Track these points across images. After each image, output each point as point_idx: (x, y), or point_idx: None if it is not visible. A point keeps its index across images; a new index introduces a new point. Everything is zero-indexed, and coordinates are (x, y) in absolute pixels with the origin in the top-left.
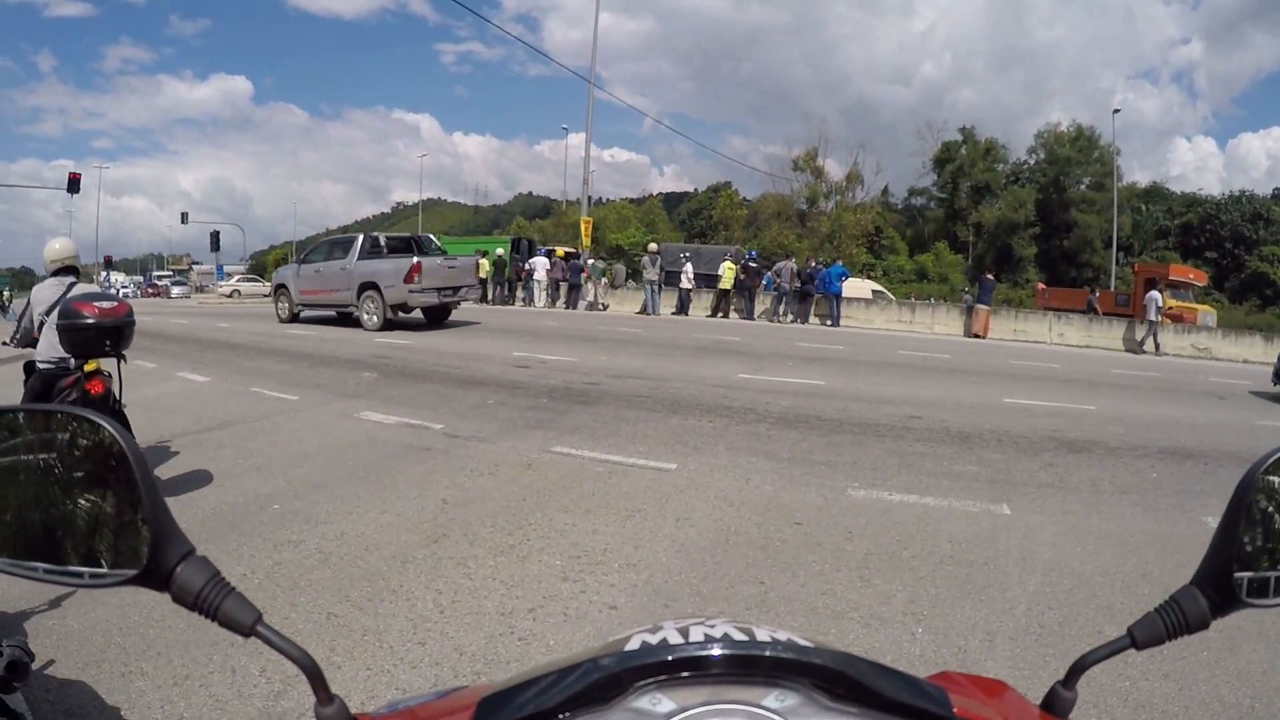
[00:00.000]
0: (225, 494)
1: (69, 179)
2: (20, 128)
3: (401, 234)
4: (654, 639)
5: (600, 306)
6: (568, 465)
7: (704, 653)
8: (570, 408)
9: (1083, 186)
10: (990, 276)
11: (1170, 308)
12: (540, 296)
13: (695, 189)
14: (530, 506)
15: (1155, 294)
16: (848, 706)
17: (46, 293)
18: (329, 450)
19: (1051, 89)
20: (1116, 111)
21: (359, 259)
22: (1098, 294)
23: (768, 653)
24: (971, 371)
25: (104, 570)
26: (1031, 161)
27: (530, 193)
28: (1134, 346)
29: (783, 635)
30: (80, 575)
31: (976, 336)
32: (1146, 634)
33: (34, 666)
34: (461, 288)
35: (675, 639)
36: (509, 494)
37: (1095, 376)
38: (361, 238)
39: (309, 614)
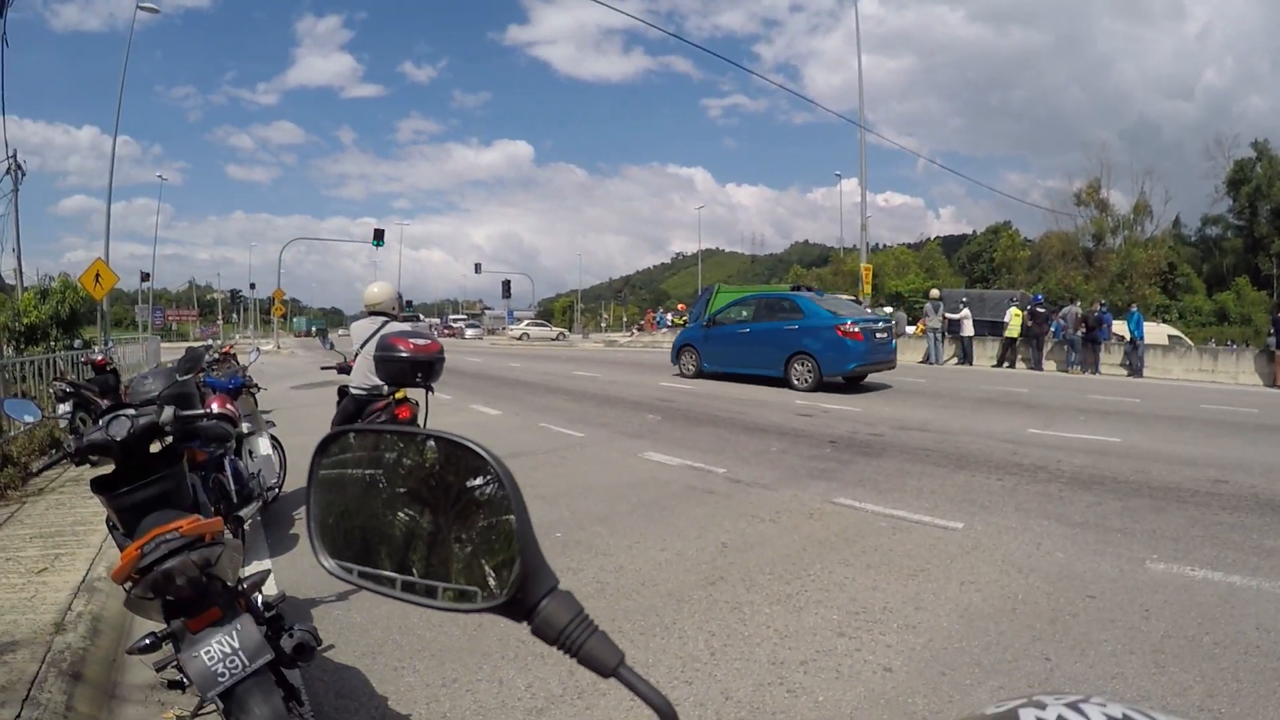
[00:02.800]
0: None
1: (375, 232)
2: (328, 191)
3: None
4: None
5: None
6: (850, 517)
7: None
8: (854, 458)
9: None
10: None
11: None
12: None
13: (974, 230)
14: (810, 557)
15: None
16: None
17: (363, 327)
18: (612, 486)
19: None
20: None
21: None
22: None
23: None
24: None
25: (471, 595)
26: None
27: (806, 241)
28: None
29: None
30: (438, 598)
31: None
32: None
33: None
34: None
35: None
36: (789, 543)
37: None
38: None
39: None
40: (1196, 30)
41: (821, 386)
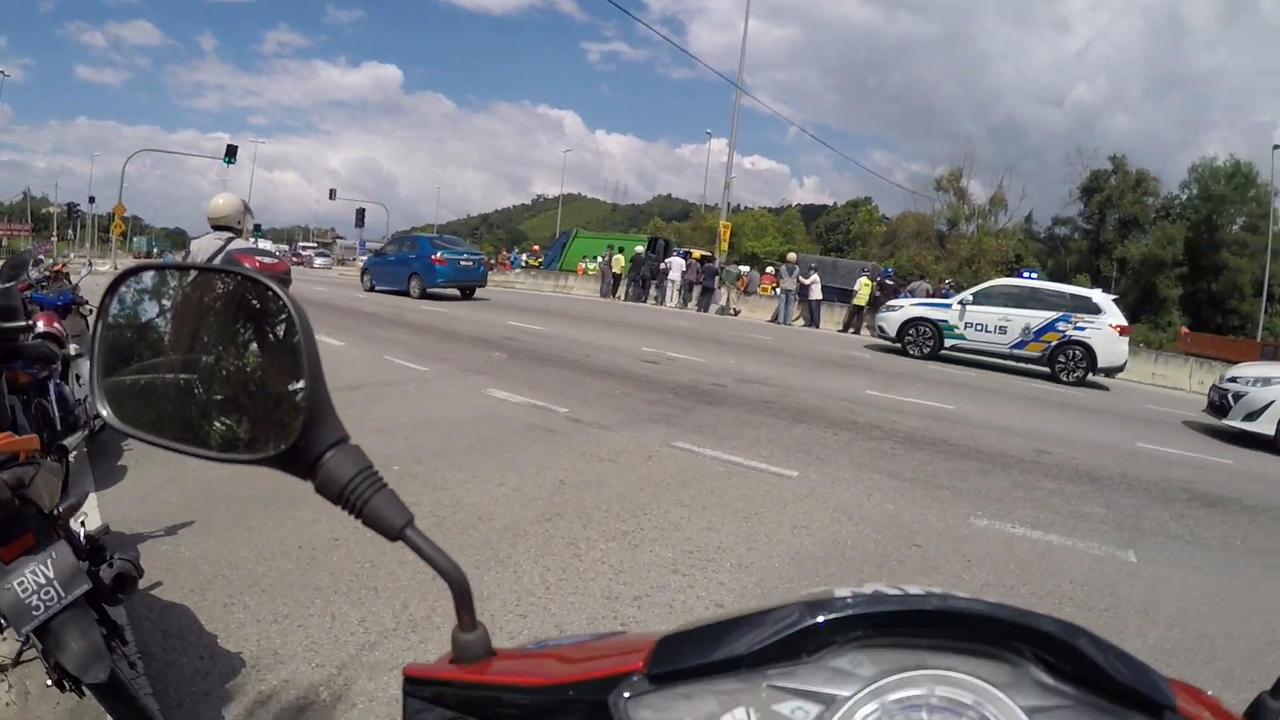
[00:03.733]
0: None
1: (226, 149)
2: (182, 100)
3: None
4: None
5: (732, 311)
6: (688, 461)
7: (927, 607)
8: (695, 406)
9: (1236, 227)
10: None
11: None
12: (674, 296)
13: (835, 202)
14: (647, 497)
15: None
16: (1064, 685)
17: (205, 244)
18: (453, 421)
19: (1210, 120)
20: (1277, 148)
21: None
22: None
23: (999, 615)
24: (1105, 411)
25: (248, 445)
26: (1183, 197)
27: (670, 195)
28: None
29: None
30: (216, 447)
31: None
32: None
33: (141, 586)
34: None
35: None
36: (627, 482)
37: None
38: None
39: (415, 573)
40: (1078, 46)
41: (427, 296)
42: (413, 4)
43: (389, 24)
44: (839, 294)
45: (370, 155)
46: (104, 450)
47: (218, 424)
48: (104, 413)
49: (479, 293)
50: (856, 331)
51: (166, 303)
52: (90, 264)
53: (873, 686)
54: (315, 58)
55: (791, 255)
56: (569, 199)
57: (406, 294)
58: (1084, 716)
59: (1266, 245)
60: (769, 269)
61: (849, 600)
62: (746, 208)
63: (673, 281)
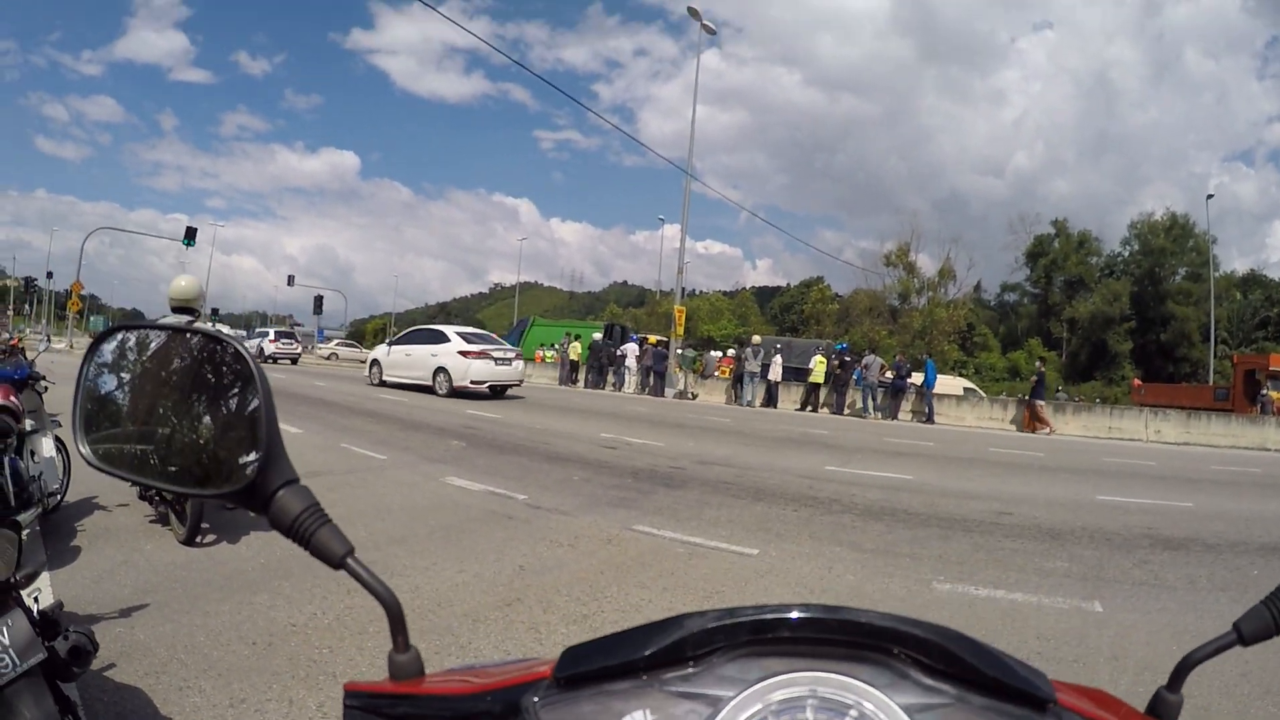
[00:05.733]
0: None
1: (186, 230)
2: (140, 179)
3: None
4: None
5: (690, 395)
6: (648, 544)
7: (803, 615)
8: (654, 489)
9: (1179, 277)
10: (1041, 368)
11: (1273, 399)
12: (630, 382)
13: (788, 283)
14: (607, 580)
15: None
16: (943, 684)
17: None
18: (412, 509)
19: (1144, 175)
20: (1210, 197)
21: None
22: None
23: (873, 621)
24: (1065, 469)
25: (213, 482)
26: (1126, 253)
27: (625, 281)
28: None
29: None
30: (186, 483)
31: (1033, 432)
32: (1254, 627)
33: (95, 668)
34: None
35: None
36: (587, 566)
37: (1193, 473)
38: None
39: (373, 658)
40: (1013, 116)
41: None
42: (370, 91)
43: (346, 111)
44: (794, 373)
45: (328, 242)
46: (57, 530)
47: (187, 463)
48: (85, 453)
49: None
50: (815, 409)
51: (143, 357)
52: (48, 339)
53: (756, 687)
54: (274, 141)
55: (756, 338)
56: (526, 287)
57: None
58: (965, 712)
59: (1210, 292)
60: (729, 351)
61: (732, 611)
62: (701, 292)
63: (629, 368)
